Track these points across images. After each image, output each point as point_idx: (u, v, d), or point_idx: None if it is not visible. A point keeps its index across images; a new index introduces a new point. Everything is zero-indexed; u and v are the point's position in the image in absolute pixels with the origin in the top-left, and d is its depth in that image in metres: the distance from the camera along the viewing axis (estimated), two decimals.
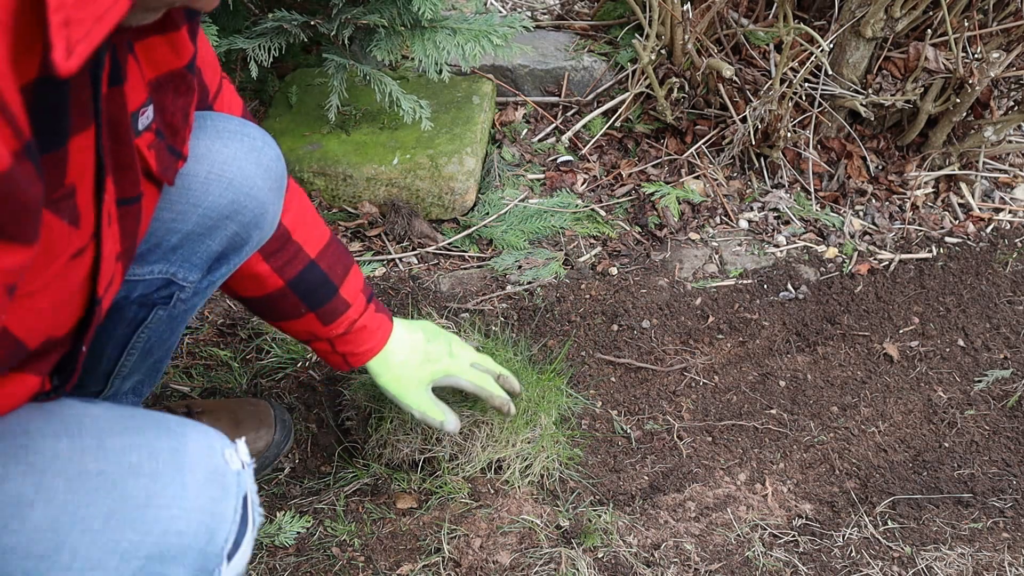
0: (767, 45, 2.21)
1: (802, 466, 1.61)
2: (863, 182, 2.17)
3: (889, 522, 1.51)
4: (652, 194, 2.06)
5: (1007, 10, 2.06)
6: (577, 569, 1.34)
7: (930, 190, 2.20)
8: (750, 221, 2.08)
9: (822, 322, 1.86)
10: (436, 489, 1.45)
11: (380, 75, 1.88)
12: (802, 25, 2.00)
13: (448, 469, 1.45)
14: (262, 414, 1.47)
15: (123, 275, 0.87)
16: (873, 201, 2.15)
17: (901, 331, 1.87)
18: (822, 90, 2.12)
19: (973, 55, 2.06)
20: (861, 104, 2.08)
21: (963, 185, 2.21)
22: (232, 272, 1.12)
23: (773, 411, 1.70)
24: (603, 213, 2.04)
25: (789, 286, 1.91)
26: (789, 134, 2.10)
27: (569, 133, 2.22)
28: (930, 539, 1.48)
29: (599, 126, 2.23)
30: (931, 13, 2.06)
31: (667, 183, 2.10)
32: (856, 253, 2.00)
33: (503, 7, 2.59)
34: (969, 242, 2.06)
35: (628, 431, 1.63)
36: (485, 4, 2.56)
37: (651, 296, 1.85)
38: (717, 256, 1.96)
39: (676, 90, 2.14)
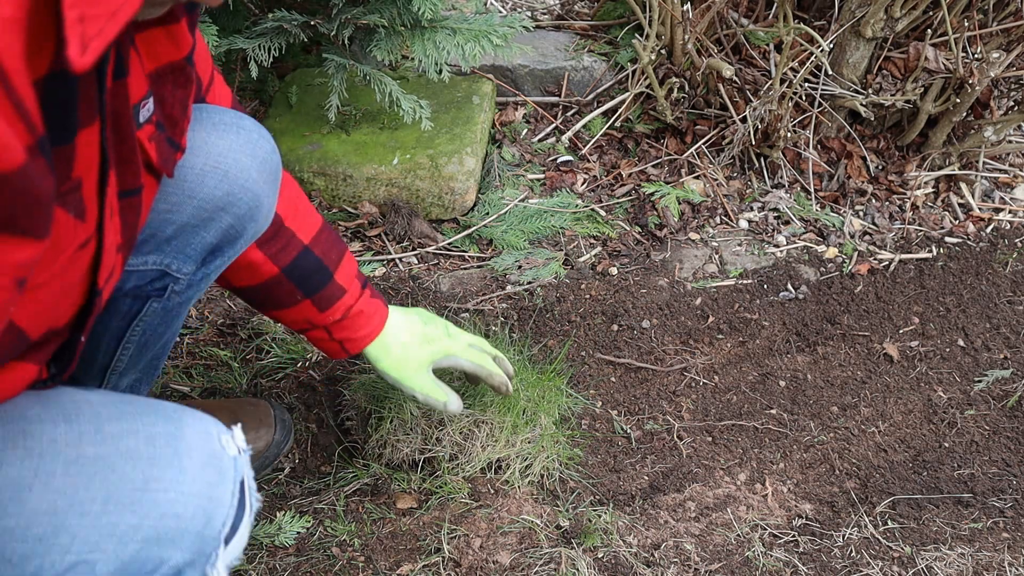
0: (767, 45, 2.21)
1: (802, 466, 1.61)
2: (863, 182, 2.17)
3: (889, 522, 1.51)
4: (652, 194, 2.06)
5: (1007, 10, 2.06)
6: (577, 569, 1.34)
7: (930, 190, 2.20)
8: (750, 221, 2.08)
9: (822, 322, 1.86)
10: (436, 489, 1.45)
11: (380, 75, 1.88)
12: (802, 25, 2.00)
13: (448, 469, 1.45)
14: (262, 414, 1.47)
15: (123, 266, 0.88)
16: (873, 201, 2.15)
17: (901, 331, 1.87)
18: (822, 90, 2.12)
19: (973, 55, 2.06)
20: (861, 104, 2.08)
21: (963, 185, 2.21)
22: (227, 265, 1.12)
23: (773, 411, 1.70)
24: (603, 213, 2.04)
25: (789, 286, 1.91)
26: (789, 134, 2.10)
27: (569, 133, 2.22)
28: (930, 539, 1.48)
29: (599, 126, 2.23)
30: (931, 13, 2.06)
31: (667, 183, 2.10)
32: (856, 253, 2.00)
33: (503, 7, 2.59)
34: (969, 242, 2.06)
35: (628, 431, 1.63)
36: (485, 4, 2.56)
37: (651, 296, 1.85)
38: (717, 256, 1.96)
39: (676, 90, 2.14)
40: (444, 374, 1.38)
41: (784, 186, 2.16)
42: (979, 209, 2.16)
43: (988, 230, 2.11)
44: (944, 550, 1.46)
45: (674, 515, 1.49)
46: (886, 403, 1.73)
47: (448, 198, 1.97)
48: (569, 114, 2.29)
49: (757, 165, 2.19)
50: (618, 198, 2.09)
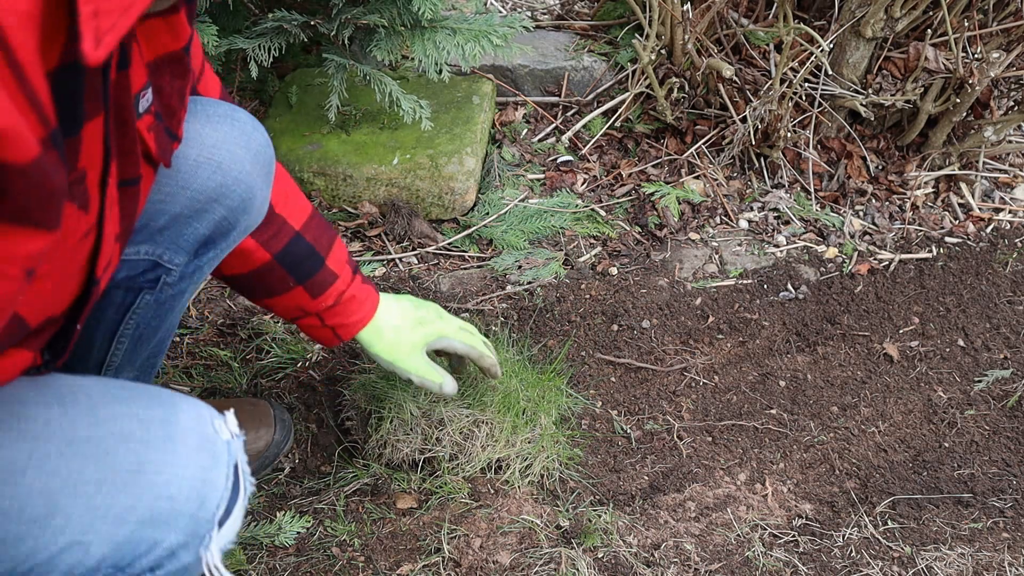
0: (767, 45, 2.21)
1: (802, 466, 1.61)
2: (863, 182, 2.17)
3: (889, 522, 1.51)
4: (652, 194, 2.06)
5: (1007, 10, 2.06)
6: (577, 569, 1.34)
7: (930, 190, 2.20)
8: (750, 221, 2.08)
9: (822, 322, 1.86)
10: (436, 489, 1.45)
11: (380, 75, 1.88)
12: (802, 25, 2.00)
13: (448, 469, 1.45)
14: (262, 414, 1.47)
15: (120, 255, 0.89)
16: (873, 201, 2.15)
17: (901, 331, 1.87)
18: (822, 90, 2.12)
19: (973, 55, 2.06)
20: (861, 104, 2.08)
21: (963, 185, 2.21)
22: (220, 259, 1.12)
23: (773, 411, 1.70)
24: (603, 213, 2.04)
25: (789, 286, 1.91)
26: (789, 134, 2.10)
27: (569, 133, 2.22)
28: (930, 539, 1.48)
29: (599, 126, 2.23)
30: (931, 13, 2.06)
31: (667, 183, 2.10)
32: (856, 253, 2.00)
33: (503, 7, 2.59)
34: (969, 242, 2.06)
35: (628, 431, 1.63)
36: (485, 4, 2.56)
37: (651, 296, 1.85)
38: (717, 256, 1.96)
39: (676, 90, 2.14)
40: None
41: (784, 186, 2.16)
42: (979, 209, 2.16)
43: (988, 230, 2.11)
44: (944, 550, 1.46)
45: (674, 515, 1.49)
46: (886, 403, 1.73)
47: (448, 198, 1.97)
48: (569, 114, 2.29)
49: (757, 165, 2.19)
50: (618, 198, 2.09)
